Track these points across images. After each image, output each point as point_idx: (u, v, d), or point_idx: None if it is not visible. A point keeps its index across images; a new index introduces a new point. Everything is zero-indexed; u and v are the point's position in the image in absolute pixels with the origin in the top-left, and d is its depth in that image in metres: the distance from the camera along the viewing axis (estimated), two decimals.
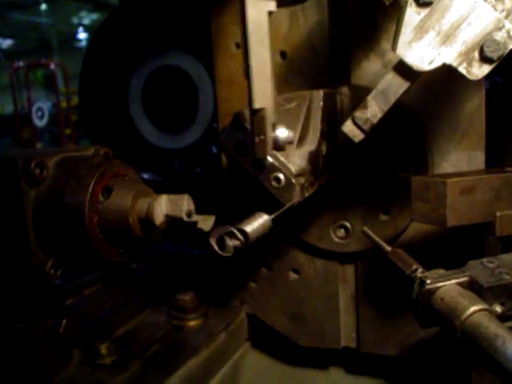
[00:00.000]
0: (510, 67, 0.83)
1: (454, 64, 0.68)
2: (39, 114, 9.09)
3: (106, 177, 0.73)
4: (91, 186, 0.70)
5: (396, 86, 0.71)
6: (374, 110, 0.71)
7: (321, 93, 0.85)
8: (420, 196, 0.79)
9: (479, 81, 0.76)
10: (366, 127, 0.72)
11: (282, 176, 0.79)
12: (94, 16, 13.06)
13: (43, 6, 12.57)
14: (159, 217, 0.71)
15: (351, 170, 0.96)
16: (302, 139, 0.82)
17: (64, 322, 0.82)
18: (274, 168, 0.80)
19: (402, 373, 1.04)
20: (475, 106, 0.89)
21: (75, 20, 13.62)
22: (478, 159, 0.91)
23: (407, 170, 0.92)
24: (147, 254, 1.42)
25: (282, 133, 0.73)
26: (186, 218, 0.70)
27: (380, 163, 0.94)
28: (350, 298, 1.04)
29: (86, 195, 0.70)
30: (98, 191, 0.71)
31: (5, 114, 11.18)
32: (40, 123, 9.08)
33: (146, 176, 1.86)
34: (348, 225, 0.98)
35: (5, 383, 0.81)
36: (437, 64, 0.68)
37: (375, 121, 0.72)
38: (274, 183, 0.80)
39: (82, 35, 14.17)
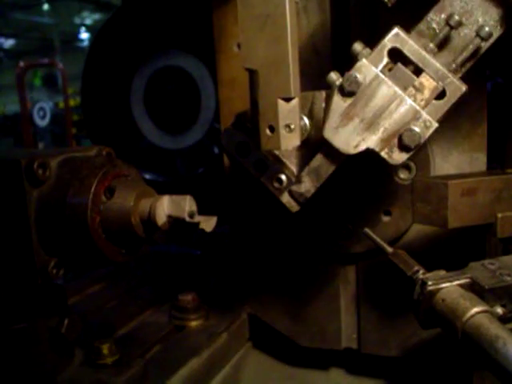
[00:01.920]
0: None
1: (377, 149, 0.71)
2: (41, 113, 9.11)
3: (109, 177, 0.73)
4: (94, 186, 0.71)
5: (325, 166, 0.76)
6: (307, 186, 0.77)
7: (323, 94, 0.85)
8: (421, 197, 0.79)
9: (481, 82, 0.76)
10: (300, 200, 0.78)
11: (283, 177, 0.80)
12: (97, 16, 13.08)
13: (45, 6, 12.59)
14: (161, 217, 0.71)
15: (353, 170, 0.96)
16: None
17: (66, 321, 0.82)
18: (275, 169, 0.80)
19: (403, 374, 1.04)
20: (477, 108, 0.89)
21: (77, 20, 13.64)
22: (480, 161, 0.91)
23: (409, 172, 0.92)
24: (149, 255, 1.42)
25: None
26: (188, 219, 0.70)
27: (382, 164, 0.94)
28: (352, 298, 1.04)
29: (89, 195, 0.70)
30: (100, 191, 0.71)
31: (6, 113, 11.19)
32: (42, 123, 9.09)
33: (147, 176, 1.87)
34: (349, 226, 0.98)
35: (6, 382, 0.81)
36: (361, 148, 0.72)
37: (309, 195, 0.78)
38: (275, 184, 0.80)
39: (84, 35, 14.19)
